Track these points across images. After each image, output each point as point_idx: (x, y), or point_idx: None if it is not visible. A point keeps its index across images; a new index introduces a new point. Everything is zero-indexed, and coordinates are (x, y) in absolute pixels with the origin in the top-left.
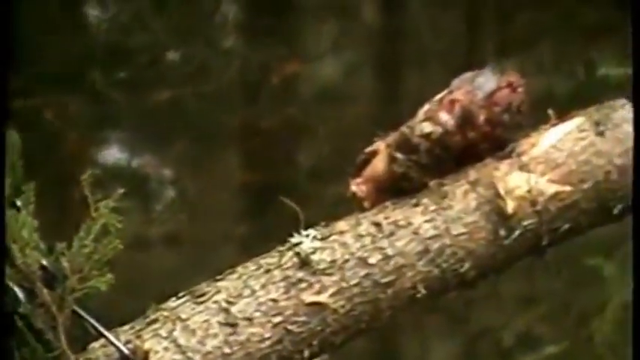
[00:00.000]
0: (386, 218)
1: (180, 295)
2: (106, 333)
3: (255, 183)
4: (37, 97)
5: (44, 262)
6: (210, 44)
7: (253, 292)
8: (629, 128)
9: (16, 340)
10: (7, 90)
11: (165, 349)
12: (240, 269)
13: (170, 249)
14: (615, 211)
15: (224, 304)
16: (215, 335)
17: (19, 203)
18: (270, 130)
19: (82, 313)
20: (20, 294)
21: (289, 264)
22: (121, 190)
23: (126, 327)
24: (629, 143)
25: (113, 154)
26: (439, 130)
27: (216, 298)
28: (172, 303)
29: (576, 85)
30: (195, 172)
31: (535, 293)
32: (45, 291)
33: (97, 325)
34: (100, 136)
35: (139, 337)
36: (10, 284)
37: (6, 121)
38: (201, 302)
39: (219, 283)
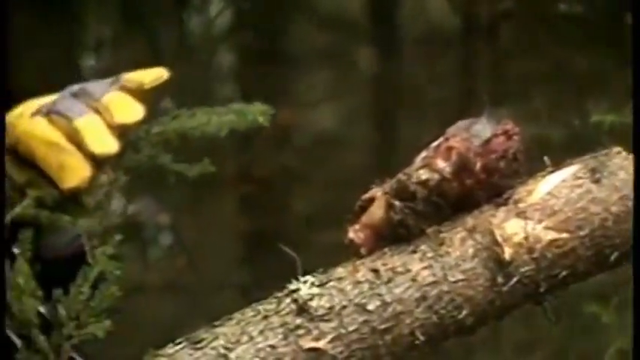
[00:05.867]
0: (384, 265)
1: (178, 341)
2: None
3: (252, 230)
4: None
5: (41, 309)
6: (207, 93)
7: (251, 338)
8: (625, 176)
9: None
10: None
11: None
12: (238, 315)
13: (167, 295)
14: (612, 259)
15: (222, 350)
16: None
17: (16, 251)
18: (266, 177)
19: (80, 359)
20: (17, 341)
21: (287, 310)
22: (119, 237)
23: None
24: (626, 191)
25: None
26: (436, 177)
27: (214, 344)
28: (170, 349)
29: (571, 132)
30: (192, 219)
31: (534, 339)
32: (42, 338)
33: None
34: None
35: None
36: (8, 332)
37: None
38: (199, 348)
39: (217, 329)
